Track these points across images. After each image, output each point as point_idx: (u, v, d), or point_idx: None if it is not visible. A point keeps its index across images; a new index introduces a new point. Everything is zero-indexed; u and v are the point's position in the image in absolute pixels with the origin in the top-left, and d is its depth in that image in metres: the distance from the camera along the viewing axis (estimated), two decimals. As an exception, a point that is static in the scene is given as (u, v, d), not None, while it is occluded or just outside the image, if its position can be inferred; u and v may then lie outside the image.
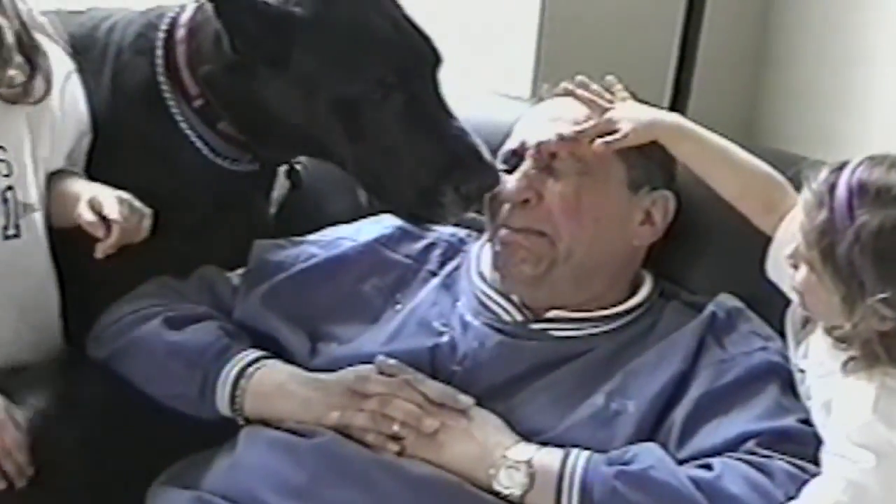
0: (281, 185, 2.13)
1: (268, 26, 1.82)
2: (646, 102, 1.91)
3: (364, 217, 2.03)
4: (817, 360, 1.67)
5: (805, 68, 2.61)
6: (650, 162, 1.87)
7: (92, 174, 1.97)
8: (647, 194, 1.87)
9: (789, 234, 1.66)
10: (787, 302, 1.75)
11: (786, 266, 1.66)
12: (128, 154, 1.97)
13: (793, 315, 1.74)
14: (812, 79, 2.58)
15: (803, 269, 1.61)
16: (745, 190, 1.82)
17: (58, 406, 1.86)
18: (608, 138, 1.82)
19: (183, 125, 1.95)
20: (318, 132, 1.87)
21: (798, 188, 1.66)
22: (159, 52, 1.95)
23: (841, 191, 1.56)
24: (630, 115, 1.85)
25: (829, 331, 1.61)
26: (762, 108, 2.74)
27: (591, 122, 1.86)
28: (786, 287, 1.70)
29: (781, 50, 2.70)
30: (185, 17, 1.96)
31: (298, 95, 1.85)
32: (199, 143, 1.96)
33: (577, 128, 1.85)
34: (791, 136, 2.57)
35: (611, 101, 1.89)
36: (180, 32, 1.95)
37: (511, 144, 1.90)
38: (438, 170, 1.82)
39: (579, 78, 1.91)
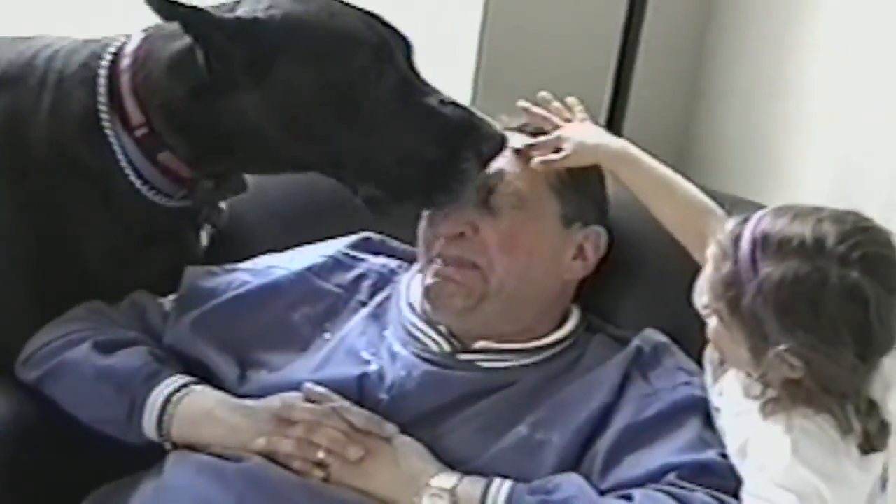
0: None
1: (239, 36, 1.82)
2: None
3: (297, 240, 2.05)
4: (732, 399, 1.69)
5: (738, 100, 2.64)
6: (584, 198, 1.90)
7: (26, 199, 1.96)
8: (579, 229, 1.90)
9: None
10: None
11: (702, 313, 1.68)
12: (62, 180, 1.96)
13: (711, 353, 1.76)
14: (745, 111, 2.61)
15: (713, 319, 1.64)
16: (685, 220, 1.84)
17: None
18: (548, 157, 1.85)
19: (119, 156, 1.94)
20: (307, 139, 1.85)
21: None
22: (102, 80, 1.94)
23: (745, 243, 1.58)
24: (577, 136, 1.87)
25: (746, 379, 1.64)
26: (695, 137, 2.77)
27: (542, 139, 1.88)
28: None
29: (715, 81, 2.74)
30: (129, 48, 1.95)
31: (285, 102, 1.84)
32: (132, 176, 1.95)
33: (529, 141, 1.87)
34: (722, 169, 2.59)
35: (568, 120, 1.91)
36: (125, 62, 1.94)
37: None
38: (455, 136, 1.83)
39: (541, 94, 1.93)
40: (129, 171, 1.94)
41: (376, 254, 2.05)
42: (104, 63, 1.95)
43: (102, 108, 1.94)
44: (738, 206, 1.74)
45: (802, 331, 1.53)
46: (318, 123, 1.84)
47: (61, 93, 1.95)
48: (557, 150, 1.86)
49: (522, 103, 1.92)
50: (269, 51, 1.82)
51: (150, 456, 1.82)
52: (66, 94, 1.95)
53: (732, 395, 1.68)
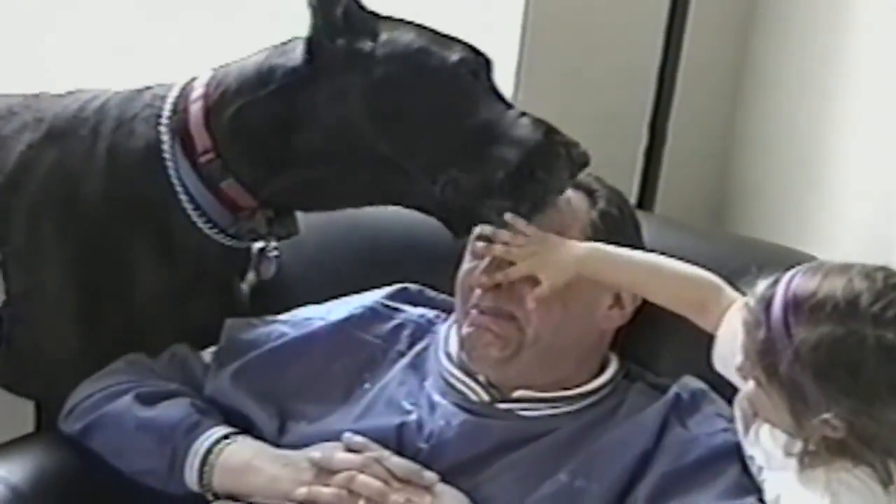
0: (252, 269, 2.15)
1: (355, 16, 1.87)
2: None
3: (335, 291, 2.06)
4: (767, 451, 1.68)
5: (775, 150, 2.64)
6: (620, 246, 1.90)
7: (76, 254, 1.99)
8: None
9: (731, 332, 1.68)
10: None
11: (733, 374, 1.68)
12: (117, 224, 1.98)
13: (741, 402, 1.75)
14: (783, 155, 2.60)
15: (751, 383, 1.63)
16: (676, 298, 1.82)
17: (28, 481, 1.86)
18: (536, 292, 1.82)
19: (178, 188, 1.96)
20: (393, 130, 1.86)
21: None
22: (166, 114, 1.97)
23: (777, 307, 1.56)
24: (550, 260, 1.82)
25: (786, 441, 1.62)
26: (731, 188, 2.77)
27: (514, 272, 1.84)
28: (734, 379, 1.72)
29: (753, 124, 2.73)
30: (200, 81, 1.98)
31: (382, 88, 1.86)
32: (190, 209, 1.97)
33: (500, 278, 1.85)
34: (759, 220, 2.58)
35: (529, 241, 1.84)
36: (196, 93, 1.96)
37: (482, 231, 1.91)
38: (543, 140, 1.84)
39: (485, 231, 1.87)
40: (186, 203, 1.96)
41: (414, 304, 2.05)
42: (170, 99, 1.98)
43: (164, 139, 1.96)
44: (775, 255, 1.73)
45: (843, 395, 1.51)
46: (411, 113, 1.86)
47: (120, 135, 1.98)
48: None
49: (480, 244, 1.87)
50: (375, 36, 1.86)
51: (194, 506, 1.83)
52: (126, 134, 1.98)
53: (767, 447, 1.67)
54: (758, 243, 1.93)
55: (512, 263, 1.83)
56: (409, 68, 1.87)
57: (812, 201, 2.45)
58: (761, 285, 1.62)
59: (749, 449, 1.72)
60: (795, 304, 1.55)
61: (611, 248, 1.84)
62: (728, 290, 1.79)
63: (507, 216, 1.82)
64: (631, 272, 1.84)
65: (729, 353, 1.69)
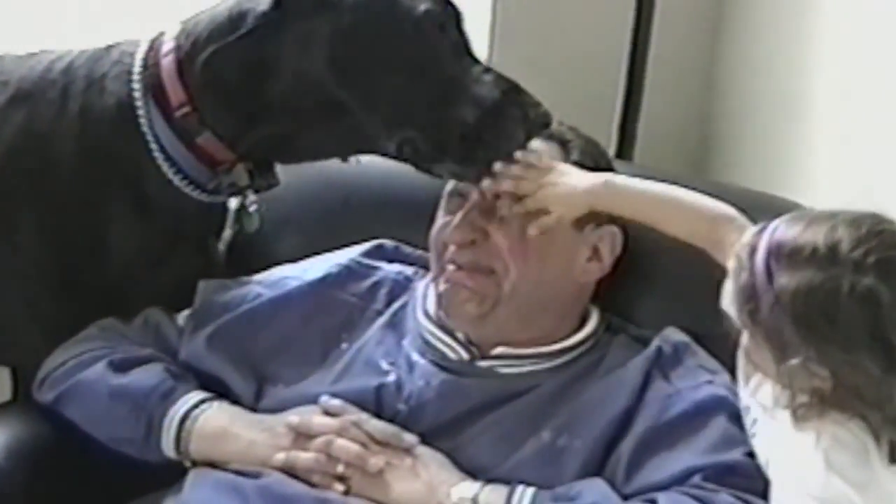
0: (229, 227, 2.12)
1: None
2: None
3: (310, 249, 2.03)
4: (764, 401, 1.66)
5: (754, 95, 2.62)
6: None
7: (48, 218, 1.96)
8: (592, 231, 1.87)
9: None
10: (738, 336, 1.75)
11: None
12: (91, 185, 1.95)
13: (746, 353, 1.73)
14: (761, 107, 2.59)
15: (744, 330, 1.62)
16: (694, 232, 1.79)
17: (4, 450, 1.84)
18: (541, 222, 1.80)
19: (153, 145, 1.93)
20: (355, 80, 1.83)
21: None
22: (137, 69, 1.93)
23: (760, 253, 1.55)
24: (562, 193, 1.81)
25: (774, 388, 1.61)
26: (711, 135, 2.76)
27: (527, 202, 1.82)
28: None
29: (730, 76, 2.72)
30: (169, 35, 1.95)
31: (348, 36, 1.83)
32: (165, 167, 1.93)
33: (517, 209, 1.82)
34: (739, 166, 2.57)
35: (544, 174, 1.82)
36: (166, 47, 1.93)
37: (455, 186, 1.89)
38: (503, 98, 1.81)
39: (496, 167, 1.82)
40: (161, 160, 1.93)
41: (391, 261, 2.03)
42: (139, 55, 1.95)
43: (137, 94, 1.93)
44: (756, 202, 1.71)
45: (823, 342, 1.50)
46: (373, 63, 1.83)
47: (91, 95, 1.95)
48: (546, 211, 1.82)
49: (498, 166, 1.82)
50: None
51: (170, 474, 1.81)
52: (97, 93, 1.94)
53: (764, 398, 1.66)
54: (739, 191, 1.91)
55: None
56: (374, 17, 1.83)
57: (791, 146, 2.45)
58: (748, 233, 1.61)
59: (745, 399, 1.70)
60: (778, 250, 1.54)
61: (625, 179, 1.82)
62: (741, 220, 1.75)
63: (517, 154, 1.80)
64: (645, 205, 1.81)
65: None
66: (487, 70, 1.85)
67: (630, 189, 1.81)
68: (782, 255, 1.53)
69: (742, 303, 1.57)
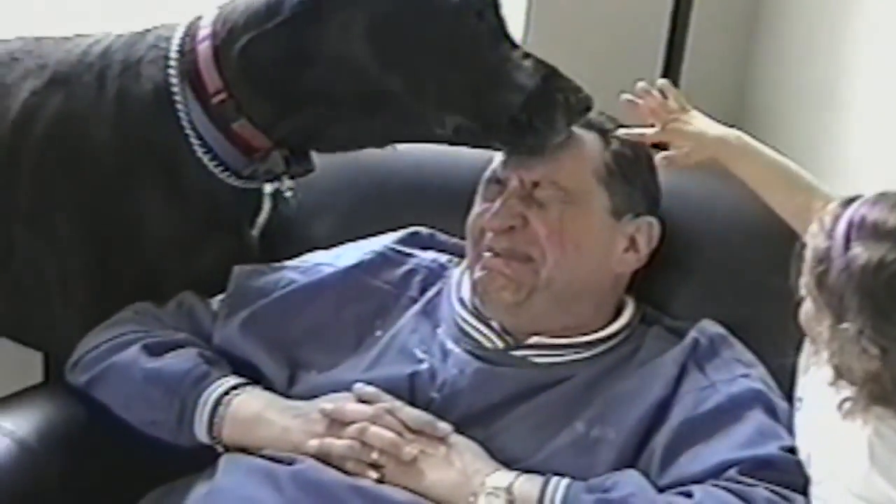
0: (264, 212, 2.12)
1: None
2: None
3: (344, 236, 2.03)
4: (815, 392, 1.65)
5: (794, 73, 2.60)
6: (633, 188, 1.87)
7: (85, 200, 1.96)
8: (630, 221, 1.86)
9: None
10: (770, 328, 1.74)
11: None
12: (127, 170, 1.95)
13: (808, 344, 1.73)
14: (800, 83, 2.57)
15: (808, 298, 1.62)
16: (800, 210, 1.79)
17: (36, 434, 1.84)
18: (670, 154, 1.83)
19: (189, 131, 1.93)
20: (398, 66, 1.83)
21: None
22: (174, 55, 1.93)
23: (843, 222, 1.57)
24: (693, 131, 1.84)
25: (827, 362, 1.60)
26: (749, 114, 2.74)
27: (652, 130, 1.85)
28: None
29: (769, 54, 2.70)
30: (206, 20, 1.94)
31: (388, 23, 1.82)
32: (200, 152, 1.94)
33: (638, 131, 1.85)
34: (777, 145, 2.56)
35: (671, 112, 1.87)
36: (203, 32, 1.93)
37: (493, 173, 1.89)
38: (544, 83, 1.82)
39: (640, 85, 1.88)
40: (197, 146, 1.93)
41: (425, 248, 2.02)
42: (176, 40, 1.95)
43: (173, 81, 1.93)
44: None
45: (879, 315, 1.50)
46: (412, 50, 1.82)
47: (128, 78, 1.95)
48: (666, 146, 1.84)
49: (627, 97, 1.86)
50: None
51: (202, 458, 1.80)
52: (133, 78, 1.95)
53: (816, 388, 1.65)
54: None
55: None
56: (412, 6, 1.83)
57: (828, 135, 2.42)
58: (835, 203, 1.62)
59: (799, 390, 1.70)
60: (860, 222, 1.55)
61: (753, 142, 1.85)
62: (830, 196, 1.75)
63: (660, 82, 1.86)
64: (767, 172, 1.84)
65: None
66: (527, 55, 1.85)
67: (758, 150, 1.85)
68: (864, 227, 1.55)
69: (813, 265, 1.58)
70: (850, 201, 1.60)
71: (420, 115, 1.85)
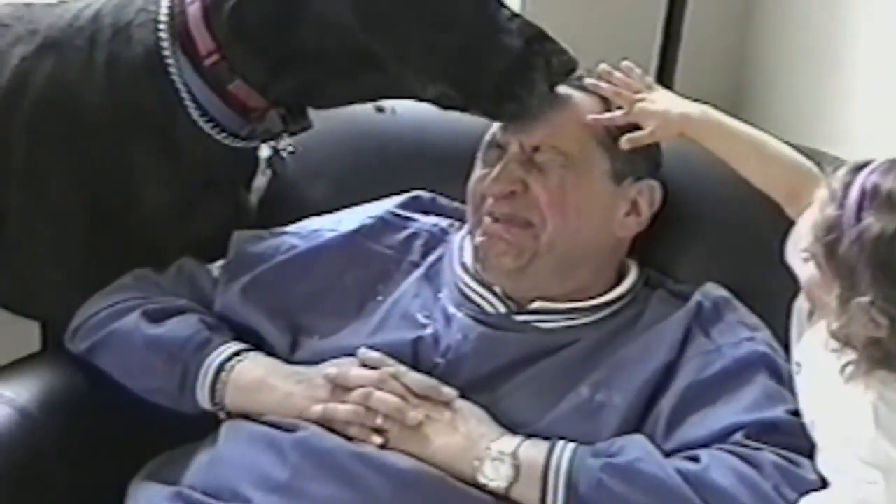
0: (261, 176, 2.10)
1: None
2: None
3: (344, 201, 2.01)
4: (813, 357, 1.65)
5: (792, 46, 2.60)
6: (634, 152, 1.84)
7: (79, 165, 1.95)
8: (631, 185, 1.85)
9: (810, 220, 1.65)
10: (775, 290, 1.73)
11: (799, 259, 1.65)
12: (121, 134, 1.94)
13: (800, 309, 1.72)
14: (799, 56, 2.57)
15: (811, 264, 1.60)
16: (772, 180, 1.80)
17: (36, 401, 1.83)
18: (634, 135, 1.81)
19: (183, 93, 1.91)
20: (384, 32, 1.82)
21: None
22: (163, 18, 1.92)
23: (854, 190, 1.55)
24: (658, 110, 1.82)
25: (830, 330, 1.58)
26: (748, 86, 2.73)
27: (619, 113, 1.83)
28: (798, 268, 1.69)
29: (767, 27, 2.70)
30: None
31: None
32: (196, 115, 1.92)
33: (605, 117, 1.83)
34: (777, 117, 2.55)
35: (637, 91, 1.85)
36: None
37: (493, 137, 1.87)
38: (527, 47, 1.81)
39: (602, 67, 1.86)
40: (192, 108, 1.92)
41: (426, 213, 2.01)
42: (165, 3, 1.93)
43: (165, 44, 1.91)
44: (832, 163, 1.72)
45: (891, 287, 1.49)
46: (397, 10, 1.80)
47: (118, 43, 1.93)
48: (637, 127, 1.82)
49: (590, 80, 1.85)
50: None
51: (205, 425, 1.80)
52: (124, 42, 1.93)
53: (814, 353, 1.64)
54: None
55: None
56: None
57: (828, 98, 2.42)
58: (843, 169, 1.60)
59: (797, 356, 1.69)
60: (873, 192, 1.54)
61: (722, 116, 1.83)
62: (821, 177, 1.74)
63: (623, 63, 1.84)
64: (735, 142, 1.82)
65: (800, 238, 1.66)
66: (514, 16, 1.83)
67: (724, 124, 1.83)
68: (877, 196, 1.53)
69: (822, 234, 1.56)
70: (859, 168, 1.57)
71: (403, 77, 1.84)
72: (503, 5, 1.85)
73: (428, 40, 1.81)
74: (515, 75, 1.80)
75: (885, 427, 1.51)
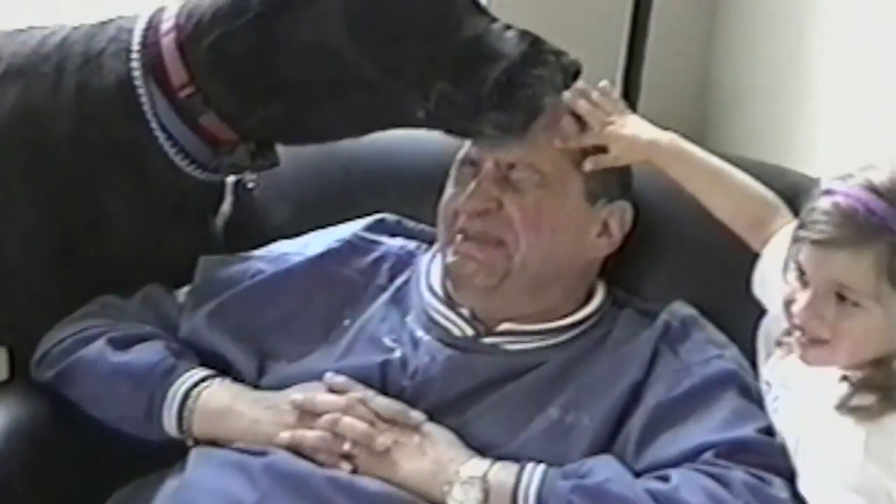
0: (227, 202, 2.10)
1: None
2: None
3: (310, 224, 2.01)
4: (795, 382, 1.64)
5: (755, 66, 2.61)
6: (608, 173, 1.85)
7: (47, 194, 1.93)
8: (604, 206, 1.85)
9: (779, 251, 1.64)
10: (742, 309, 1.73)
11: (775, 294, 1.64)
12: (90, 163, 1.92)
13: (767, 330, 1.71)
14: (762, 77, 2.58)
15: (807, 293, 1.56)
16: (736, 212, 1.80)
17: (2, 434, 1.81)
18: (597, 158, 1.80)
19: (154, 125, 1.90)
20: (375, 47, 1.80)
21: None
22: (136, 48, 1.90)
23: (876, 203, 1.52)
24: (626, 134, 1.82)
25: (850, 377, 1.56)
26: (712, 106, 2.74)
27: (586, 137, 1.82)
28: (772, 307, 1.69)
29: (730, 47, 2.71)
30: (168, 13, 1.92)
31: (365, 14, 1.79)
32: (166, 146, 1.91)
33: (573, 143, 1.82)
34: (741, 137, 2.56)
35: (609, 114, 1.84)
36: (166, 25, 1.90)
37: (467, 155, 1.87)
38: (529, 52, 1.79)
39: (580, 84, 1.86)
40: (163, 140, 1.91)
41: (393, 235, 2.00)
42: (138, 32, 1.92)
43: (136, 74, 1.90)
44: (761, 174, 1.74)
45: None
46: (391, 30, 1.79)
47: (89, 71, 1.92)
48: (604, 149, 1.82)
49: (567, 95, 1.83)
50: None
51: (172, 453, 1.78)
52: (94, 70, 1.91)
53: (799, 375, 1.63)
54: (743, 161, 1.88)
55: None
56: None
57: (793, 118, 2.43)
58: (824, 201, 1.56)
59: (766, 375, 1.68)
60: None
61: (689, 145, 1.83)
62: (785, 210, 1.76)
63: (602, 83, 1.84)
64: (701, 172, 1.82)
65: (773, 271, 1.66)
66: (508, 27, 1.83)
67: (692, 153, 1.82)
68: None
69: (883, 265, 1.51)
70: (828, 193, 1.55)
71: (399, 97, 1.82)
72: (495, 19, 1.84)
73: (423, 52, 1.79)
74: (527, 69, 1.78)
75: (873, 452, 1.50)
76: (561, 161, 1.82)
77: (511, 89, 1.77)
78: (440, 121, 1.82)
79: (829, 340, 1.56)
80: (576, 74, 1.82)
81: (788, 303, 1.60)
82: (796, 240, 1.59)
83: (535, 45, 1.80)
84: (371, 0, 1.79)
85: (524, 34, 1.81)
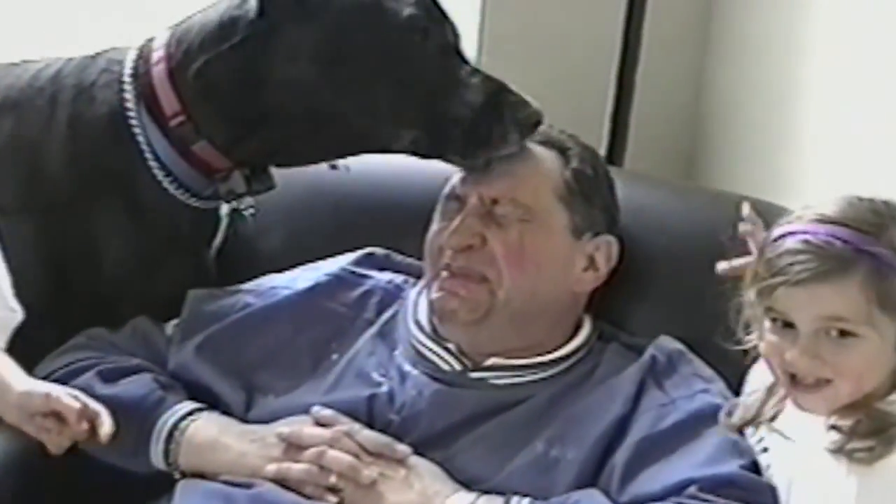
0: (221, 232, 2.10)
1: None
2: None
3: (299, 257, 2.02)
4: (789, 421, 1.64)
5: (744, 102, 2.62)
6: (593, 207, 1.86)
7: (39, 225, 1.94)
8: (590, 240, 1.86)
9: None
10: (727, 342, 1.74)
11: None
12: (84, 194, 1.93)
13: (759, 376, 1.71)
14: (752, 113, 2.59)
15: (850, 342, 1.53)
16: None
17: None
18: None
19: (147, 154, 1.91)
20: (349, 86, 1.83)
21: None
22: (127, 79, 1.92)
23: (843, 231, 1.52)
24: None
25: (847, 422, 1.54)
26: (701, 141, 2.75)
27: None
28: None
29: (720, 83, 2.72)
30: (158, 42, 1.93)
31: (335, 40, 1.82)
32: (160, 175, 1.92)
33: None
34: (730, 173, 2.57)
35: None
36: (157, 55, 1.92)
37: (452, 190, 1.88)
38: (494, 99, 1.82)
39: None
40: (156, 169, 1.92)
41: (381, 269, 2.00)
42: (129, 63, 1.94)
43: (129, 104, 1.92)
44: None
45: None
46: (361, 69, 1.82)
47: (81, 102, 1.93)
48: None
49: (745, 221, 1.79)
50: None
51: (160, 485, 1.79)
52: (87, 102, 1.93)
53: (793, 418, 1.62)
54: (731, 196, 1.89)
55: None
56: (359, 24, 1.83)
57: (781, 153, 2.44)
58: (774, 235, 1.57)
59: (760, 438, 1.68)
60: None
61: None
62: None
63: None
64: None
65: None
66: (475, 72, 1.85)
67: None
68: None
69: (874, 298, 1.50)
70: (802, 231, 1.54)
71: (374, 132, 1.85)
72: (466, 62, 1.87)
73: (395, 94, 1.82)
74: (483, 124, 1.81)
75: (867, 496, 1.49)
76: (545, 195, 1.83)
77: (470, 141, 1.81)
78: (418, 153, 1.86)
79: (832, 379, 1.53)
80: (534, 126, 1.83)
81: (773, 356, 1.58)
82: (765, 291, 1.56)
83: (494, 96, 1.82)
84: (342, 39, 1.82)
85: (487, 81, 1.84)
